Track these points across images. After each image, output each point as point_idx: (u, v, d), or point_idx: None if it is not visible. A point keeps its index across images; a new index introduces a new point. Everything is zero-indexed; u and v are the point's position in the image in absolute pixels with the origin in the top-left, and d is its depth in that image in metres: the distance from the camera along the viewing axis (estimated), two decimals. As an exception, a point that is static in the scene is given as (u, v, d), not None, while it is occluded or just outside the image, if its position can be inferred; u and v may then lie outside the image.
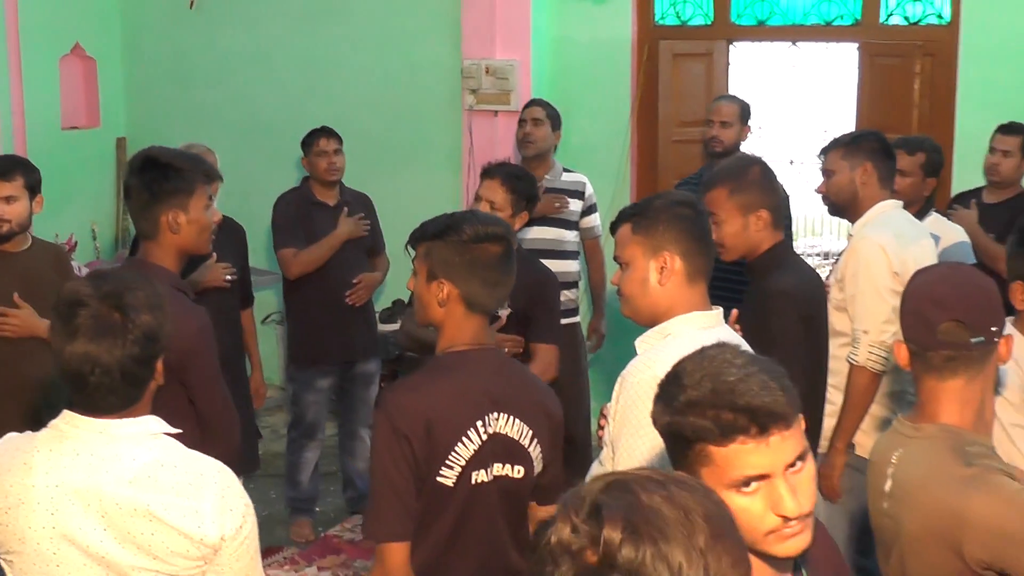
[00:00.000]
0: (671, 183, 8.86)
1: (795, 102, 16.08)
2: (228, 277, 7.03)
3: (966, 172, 8.43)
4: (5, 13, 10.01)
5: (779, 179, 5.50)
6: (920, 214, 6.73)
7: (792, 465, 2.62)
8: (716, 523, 2.02)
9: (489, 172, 6.38)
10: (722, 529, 2.03)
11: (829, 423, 5.77)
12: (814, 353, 5.37)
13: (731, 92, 9.32)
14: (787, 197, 5.91)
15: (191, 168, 4.83)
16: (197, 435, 4.61)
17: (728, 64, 9.69)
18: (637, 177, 9.91)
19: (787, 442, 2.60)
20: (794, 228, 12.74)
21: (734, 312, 4.42)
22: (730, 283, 5.91)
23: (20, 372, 5.85)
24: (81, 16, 10.88)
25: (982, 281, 3.69)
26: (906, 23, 9.18)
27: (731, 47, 9.74)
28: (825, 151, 6.15)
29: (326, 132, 8.24)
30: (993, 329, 3.55)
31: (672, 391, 2.65)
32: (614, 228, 4.20)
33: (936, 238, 6.37)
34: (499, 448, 4.09)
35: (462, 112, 9.95)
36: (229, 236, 7.05)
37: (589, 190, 8.40)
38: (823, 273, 6.77)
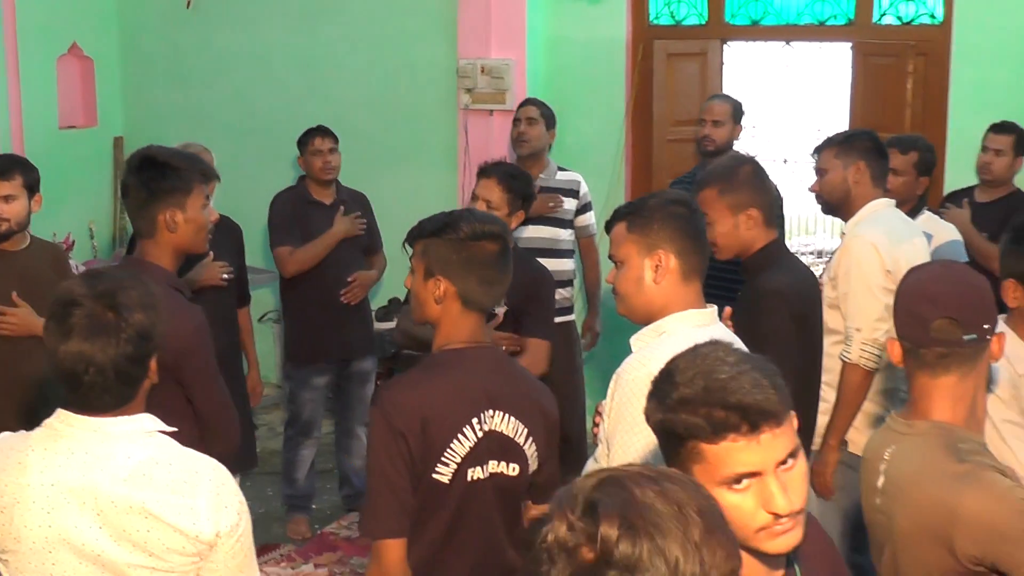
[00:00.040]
0: (665, 182, 8.86)
1: (789, 101, 16.08)
2: (225, 276, 7.02)
3: (959, 171, 8.44)
4: (3, 13, 10.02)
5: (772, 178, 5.52)
6: (913, 213, 6.75)
7: (783, 463, 2.63)
8: (709, 517, 2.04)
9: (485, 171, 6.40)
10: (715, 523, 2.05)
11: (822, 420, 5.78)
12: (808, 352, 5.38)
13: (725, 91, 9.36)
14: (780, 196, 5.94)
15: (188, 167, 4.84)
16: (195, 434, 4.63)
17: (722, 63, 9.70)
18: (632, 176, 9.93)
19: (778, 440, 2.61)
20: (788, 227, 12.75)
21: (727, 309, 4.44)
22: (724, 281, 5.92)
23: (18, 371, 5.85)
24: (78, 16, 10.88)
25: (975, 279, 3.71)
26: (899, 23, 9.21)
27: (725, 47, 9.74)
28: (818, 150, 6.16)
29: (321, 131, 8.25)
30: (986, 327, 3.57)
31: (665, 388, 2.66)
32: (609, 227, 4.22)
33: (929, 236, 6.40)
34: (495, 445, 4.09)
35: (458, 111, 9.96)
36: (226, 235, 7.04)
37: (584, 189, 8.41)
38: (817, 271, 6.80)
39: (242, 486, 7.28)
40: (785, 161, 14.60)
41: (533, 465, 4.19)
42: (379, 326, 9.27)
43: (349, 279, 8.13)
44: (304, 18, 10.70)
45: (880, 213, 5.95)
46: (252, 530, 3.57)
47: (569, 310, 8.23)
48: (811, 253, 13.17)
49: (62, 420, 3.43)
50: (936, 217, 7.15)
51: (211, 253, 6.63)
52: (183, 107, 11.09)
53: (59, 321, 3.37)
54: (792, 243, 12.07)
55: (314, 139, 8.23)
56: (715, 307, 4.21)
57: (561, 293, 7.83)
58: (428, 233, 4.15)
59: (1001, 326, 4.00)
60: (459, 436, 4.02)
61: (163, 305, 4.27)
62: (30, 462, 3.40)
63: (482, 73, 9.68)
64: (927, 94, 8.85)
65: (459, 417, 4.04)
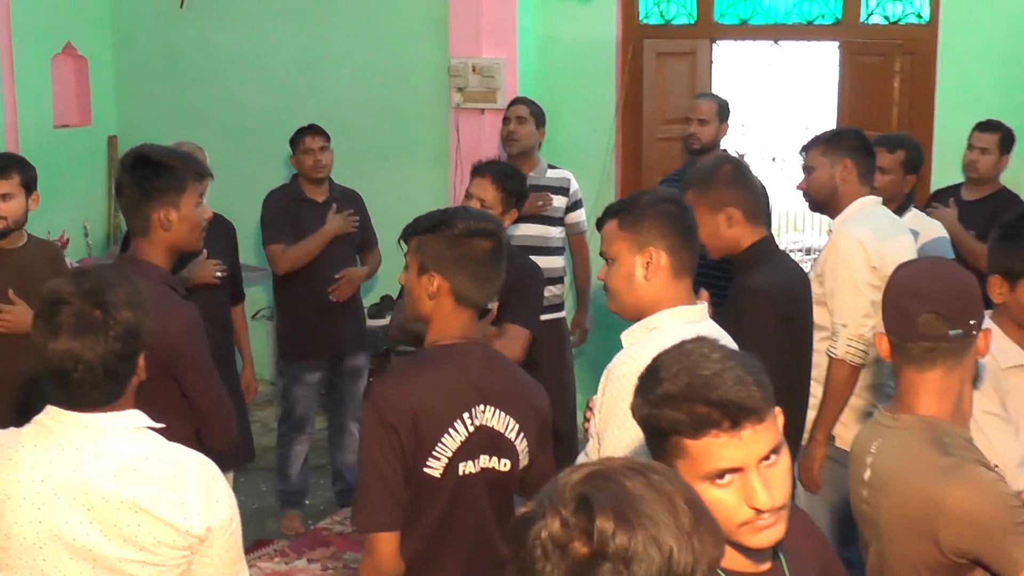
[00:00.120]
0: (655, 180, 8.89)
1: (777, 100, 16.08)
2: (218, 274, 7.04)
3: (945, 169, 8.47)
4: (-3, 12, 10.03)
5: (756, 176, 5.53)
6: (900, 210, 6.78)
7: (766, 458, 2.65)
8: (696, 506, 2.07)
9: (479, 170, 6.42)
10: (701, 512, 2.07)
11: (810, 415, 5.81)
12: (796, 350, 5.42)
13: (714, 90, 9.39)
14: (766, 194, 5.96)
15: (182, 166, 4.85)
16: (191, 430, 4.68)
17: (711, 63, 9.75)
18: (622, 174, 9.97)
19: (760, 436, 2.63)
20: (776, 224, 12.75)
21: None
22: (712, 278, 5.97)
23: (14, 367, 5.88)
24: (73, 15, 10.90)
25: (962, 275, 3.74)
26: (886, 22, 9.25)
27: (714, 46, 9.79)
28: (806, 148, 6.18)
29: (312, 130, 8.27)
30: (972, 322, 3.60)
31: (650, 384, 2.68)
32: (600, 224, 4.23)
33: (915, 233, 6.43)
34: (486, 440, 4.10)
35: (449, 110, 9.98)
36: (219, 233, 7.06)
37: (574, 186, 8.43)
38: (805, 268, 6.83)
39: (236, 482, 7.38)
40: (773, 159, 14.64)
41: (524, 461, 4.20)
42: (371, 323, 9.27)
43: (337, 276, 8.15)
44: (297, 17, 10.71)
45: (867, 210, 5.98)
46: (245, 525, 3.59)
47: (559, 307, 8.25)
48: (799, 250, 13.19)
49: (52, 417, 3.43)
50: (923, 214, 7.17)
51: (204, 251, 6.62)
52: (177, 106, 11.10)
53: (47, 319, 3.38)
54: (780, 240, 12.08)
55: (305, 138, 8.24)
56: (705, 304, 4.23)
57: (551, 290, 7.88)
58: (423, 230, 4.16)
59: (987, 322, 4.01)
60: (450, 430, 4.03)
61: (155, 303, 4.26)
62: (20, 458, 3.40)
63: (473, 72, 9.70)
64: (914, 93, 8.89)
65: (450, 412, 4.04)
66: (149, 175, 4.77)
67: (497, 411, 4.12)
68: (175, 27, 11.13)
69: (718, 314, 4.36)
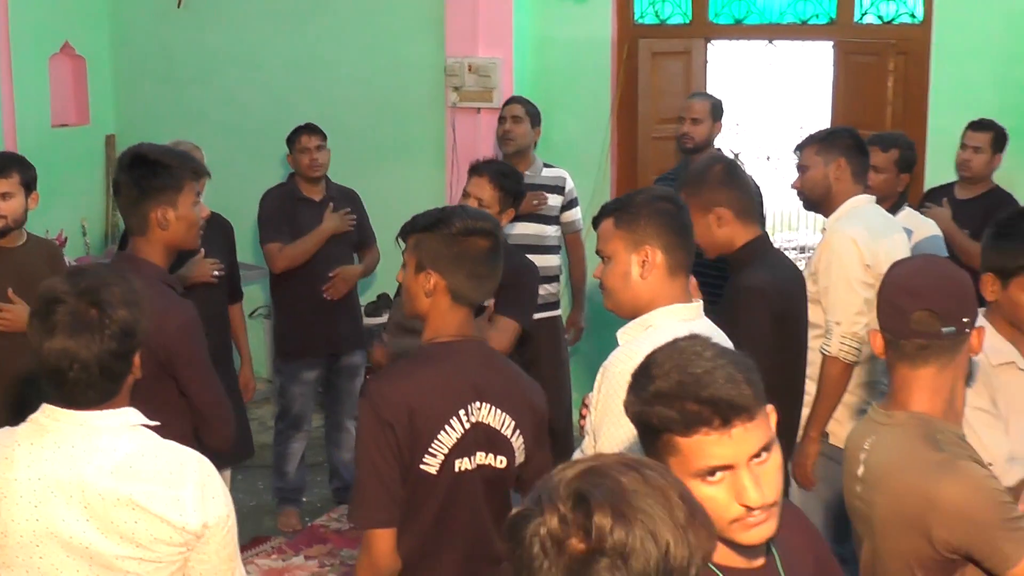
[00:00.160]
0: (650, 179, 8.92)
1: (772, 99, 16.02)
2: (215, 273, 7.05)
3: (939, 168, 8.50)
4: (-4, 13, 10.04)
5: (748, 176, 5.56)
6: (894, 209, 6.79)
7: (757, 456, 2.66)
8: (689, 500, 2.08)
9: (477, 169, 6.43)
10: (694, 505, 2.09)
11: (804, 413, 5.82)
12: (790, 348, 5.42)
13: (709, 90, 9.41)
14: (760, 192, 5.98)
15: (179, 165, 4.86)
16: (188, 428, 4.69)
17: (706, 62, 9.76)
18: (617, 173, 9.98)
19: (750, 434, 2.64)
20: (771, 223, 12.75)
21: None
22: (708, 277, 5.98)
23: (13, 366, 5.90)
24: (70, 15, 10.90)
25: (956, 273, 3.75)
26: (880, 22, 9.27)
27: (709, 45, 9.80)
28: (800, 147, 6.21)
29: (308, 129, 8.27)
30: (965, 320, 3.62)
31: (642, 381, 2.70)
32: (596, 222, 4.25)
33: (909, 232, 6.44)
34: (482, 437, 4.12)
35: (445, 109, 10.00)
36: (217, 232, 7.08)
37: (569, 185, 8.45)
38: (800, 267, 6.84)
39: (233, 479, 7.40)
40: (768, 158, 14.61)
41: (520, 457, 4.21)
42: (368, 321, 9.28)
43: (330, 274, 8.16)
44: (294, 17, 10.71)
45: (860, 209, 6.00)
46: (242, 523, 3.61)
47: (555, 305, 8.27)
48: (794, 249, 13.15)
49: (47, 415, 3.43)
50: (916, 213, 7.17)
51: (202, 250, 6.66)
52: (174, 105, 11.10)
53: (43, 318, 3.38)
54: (775, 239, 12.08)
55: (301, 137, 8.24)
56: (700, 302, 4.24)
57: (547, 288, 7.92)
58: (421, 228, 4.18)
59: (980, 320, 4.04)
60: (446, 427, 4.05)
61: (153, 301, 4.25)
62: (16, 457, 3.40)
63: (469, 71, 9.72)
64: (907, 92, 8.91)
65: (446, 409, 4.06)
66: (146, 174, 4.78)
67: (493, 408, 4.14)
68: (172, 27, 11.13)
69: (713, 312, 4.37)
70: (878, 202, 6.29)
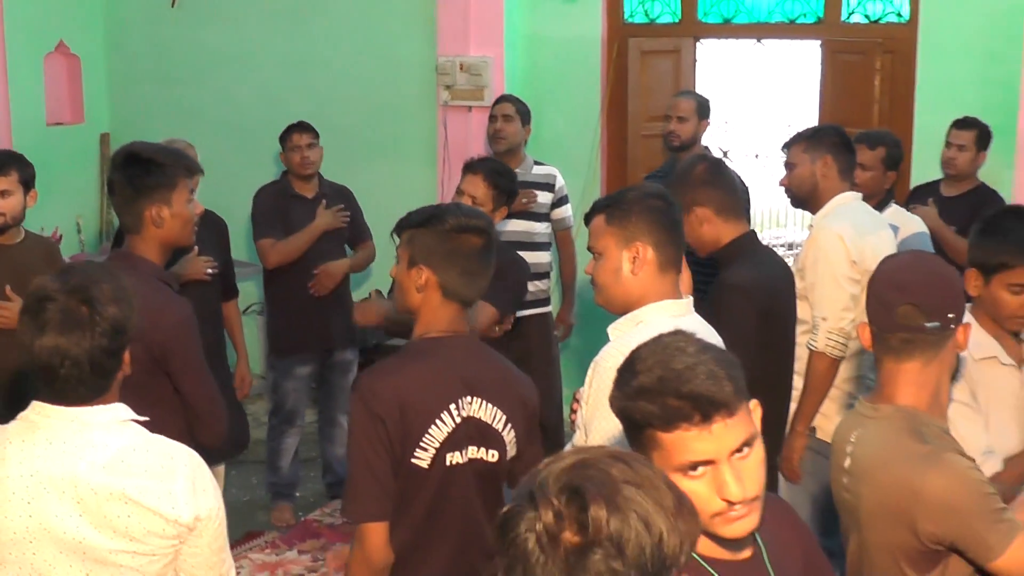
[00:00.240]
0: (640, 176, 8.95)
1: (760, 98, 16.02)
2: (209, 270, 7.04)
3: (925, 165, 8.52)
4: (-10, 12, 10.05)
5: (732, 173, 5.59)
6: (881, 206, 6.82)
7: (738, 451, 2.68)
8: (674, 488, 2.11)
9: (471, 167, 6.47)
10: (680, 493, 2.12)
11: (792, 407, 5.86)
12: (777, 344, 5.47)
13: (698, 88, 9.44)
14: (746, 190, 5.99)
15: (173, 163, 4.86)
16: (182, 424, 4.68)
17: (695, 61, 9.79)
18: (607, 170, 10.01)
19: (731, 429, 2.66)
20: (759, 220, 12.78)
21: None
22: (700, 274, 5.99)
23: (11, 362, 5.84)
24: (65, 14, 10.90)
25: (943, 269, 3.79)
26: (867, 21, 9.32)
27: (698, 44, 9.83)
28: (787, 145, 6.24)
29: (300, 127, 8.28)
30: (950, 315, 3.65)
31: (626, 377, 2.72)
32: (588, 219, 4.27)
33: (895, 229, 6.47)
34: (473, 431, 4.13)
35: (437, 108, 10.01)
36: (211, 230, 7.07)
37: (560, 182, 8.46)
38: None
39: (227, 474, 7.43)
40: (756, 156, 14.62)
41: (512, 451, 4.23)
42: None
43: (314, 271, 8.16)
44: (287, 17, 10.71)
45: (847, 206, 6.03)
46: (236, 518, 3.64)
47: (546, 302, 8.30)
48: (782, 246, 13.16)
49: (38, 412, 3.44)
50: (903, 210, 7.20)
51: (196, 248, 6.66)
52: (168, 104, 11.08)
53: (33, 316, 3.39)
54: (763, 236, 12.11)
55: (293, 135, 8.25)
56: (691, 297, 4.26)
57: (537, 285, 7.96)
58: (415, 223, 4.20)
59: (966, 316, 4.05)
60: (437, 421, 4.06)
61: (149, 298, 4.28)
62: (8, 454, 3.41)
63: (461, 70, 9.74)
64: (894, 91, 8.95)
65: (437, 403, 4.07)
66: (140, 173, 4.79)
67: (484, 403, 4.16)
68: (166, 26, 11.12)
69: (700, 309, 4.38)
70: (865, 199, 6.31)
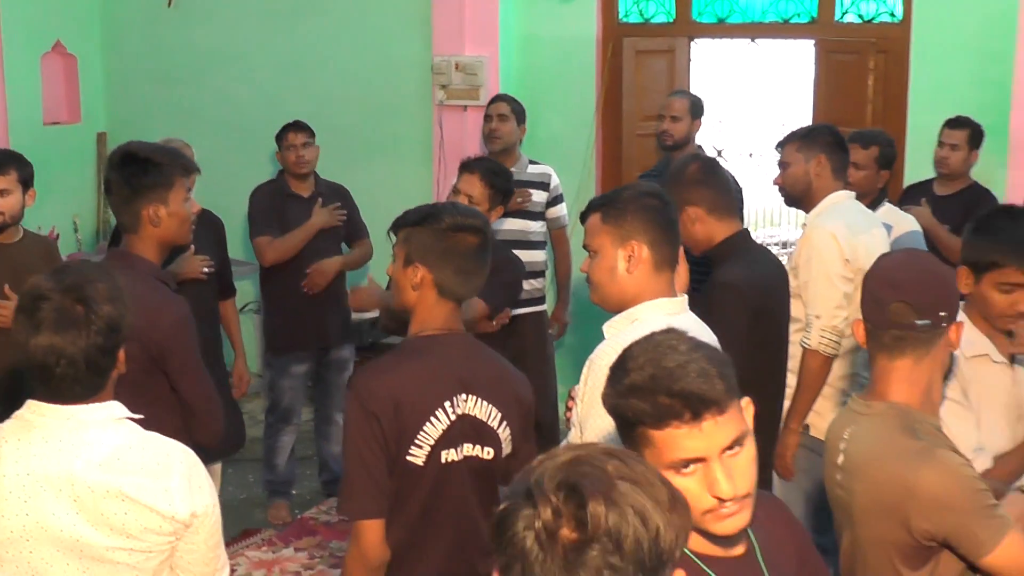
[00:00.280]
0: (635, 175, 8.96)
1: (754, 97, 16.02)
2: (205, 269, 7.04)
3: (918, 164, 8.55)
4: (-12, 13, 10.06)
5: (725, 172, 5.60)
6: (874, 205, 6.83)
7: (729, 448, 2.68)
8: (667, 483, 2.10)
9: (468, 166, 6.49)
10: (673, 488, 2.10)
11: (786, 405, 5.88)
12: (771, 342, 5.48)
13: (692, 88, 9.47)
14: (739, 189, 5.99)
15: (169, 162, 4.85)
16: (180, 423, 4.69)
17: (689, 60, 9.82)
18: (602, 169, 10.04)
19: (721, 427, 2.66)
20: (753, 219, 12.77)
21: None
22: (695, 273, 6.02)
23: (9, 360, 5.86)
24: (62, 14, 10.92)
25: (937, 268, 3.82)
26: (860, 21, 9.35)
27: (692, 44, 9.86)
28: (781, 144, 6.25)
29: (295, 126, 8.29)
30: (942, 314, 3.66)
31: (618, 374, 2.72)
32: (584, 217, 4.27)
33: (889, 227, 6.49)
34: (468, 429, 4.14)
35: (433, 107, 10.04)
36: (208, 229, 7.09)
37: (555, 181, 8.47)
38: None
39: (224, 472, 7.43)
40: (750, 155, 14.61)
41: (507, 449, 4.24)
42: (357, 316, 9.15)
43: (307, 270, 8.16)
44: (283, 16, 10.73)
45: (840, 205, 6.04)
46: (233, 515, 3.64)
47: (541, 300, 8.31)
48: (776, 244, 13.14)
49: (33, 411, 3.44)
50: (896, 209, 7.22)
51: (192, 247, 6.67)
52: (165, 103, 11.10)
53: (29, 315, 3.39)
54: (757, 235, 12.12)
55: (288, 134, 8.27)
56: (686, 296, 4.28)
57: (532, 284, 7.96)
58: (412, 222, 4.21)
59: (959, 315, 4.03)
60: (432, 419, 4.07)
61: (146, 297, 4.33)
62: (4, 453, 3.40)
63: (456, 70, 9.76)
64: (887, 90, 8.97)
65: (431, 401, 4.08)
66: (137, 172, 4.79)
67: (480, 400, 4.16)
68: (163, 26, 11.13)
69: (694, 306, 4.39)
70: (859, 198, 6.33)
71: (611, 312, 4.23)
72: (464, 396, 4.15)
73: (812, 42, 9.43)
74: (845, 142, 6.30)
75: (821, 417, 5.81)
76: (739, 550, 2.88)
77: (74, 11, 11.09)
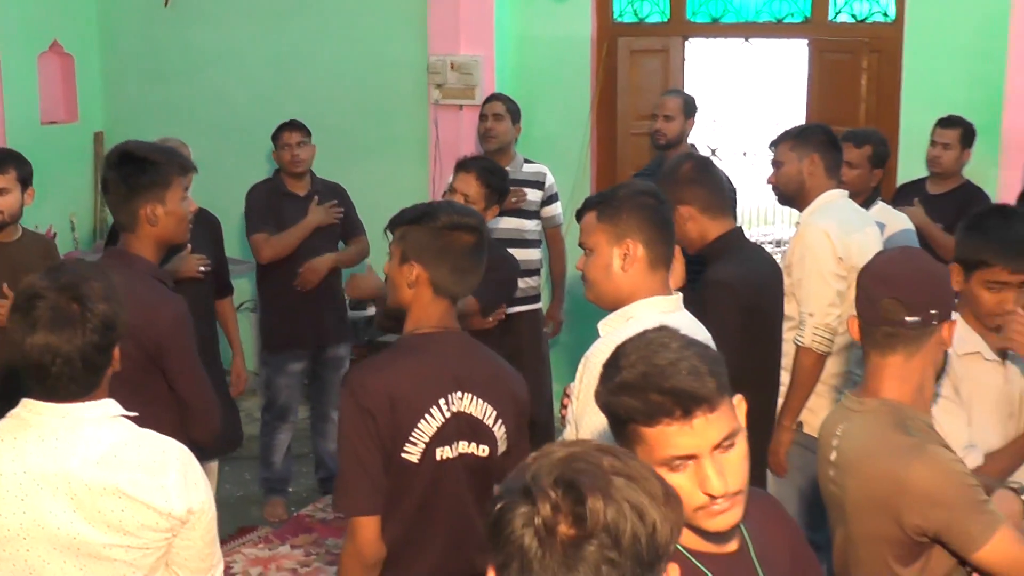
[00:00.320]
0: (629, 174, 8.98)
1: (748, 96, 16.01)
2: (202, 268, 7.05)
3: (911, 163, 8.56)
4: (-15, 13, 10.07)
5: (718, 171, 5.61)
6: (867, 204, 6.87)
7: (720, 445, 2.69)
8: (661, 479, 2.11)
9: (464, 165, 6.52)
10: (666, 484, 2.12)
11: (780, 403, 5.91)
12: (764, 340, 5.50)
13: (686, 87, 9.48)
14: (733, 187, 6.00)
15: (166, 161, 4.86)
16: (178, 422, 4.70)
17: (684, 60, 9.82)
18: (597, 168, 10.06)
19: (712, 424, 2.66)
20: (747, 217, 12.78)
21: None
22: (689, 271, 6.04)
23: (8, 358, 5.73)
24: (59, 14, 10.93)
25: (931, 266, 3.82)
26: (853, 20, 9.38)
27: (686, 43, 9.86)
28: (775, 143, 6.27)
29: (291, 125, 8.30)
30: (932, 312, 3.67)
31: (610, 372, 2.74)
32: (580, 215, 4.28)
33: (882, 226, 6.51)
34: (463, 426, 4.15)
35: (428, 106, 10.04)
36: (204, 227, 7.08)
37: (549, 180, 8.49)
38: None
39: (221, 470, 7.45)
40: (744, 154, 14.62)
41: (503, 447, 4.24)
42: (353, 314, 9.32)
43: (300, 269, 8.15)
44: (279, 16, 10.74)
45: (833, 203, 6.06)
46: (229, 513, 3.64)
47: (536, 298, 8.33)
48: (770, 243, 13.17)
49: (29, 409, 3.44)
50: (889, 207, 7.24)
51: (189, 246, 6.63)
52: (161, 103, 11.10)
53: (24, 314, 3.39)
54: (751, 233, 12.13)
55: (283, 133, 8.28)
56: (680, 294, 4.27)
57: (528, 282, 7.99)
58: (408, 220, 4.23)
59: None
60: (426, 416, 4.08)
61: (144, 295, 4.36)
62: (0, 452, 3.41)
63: (452, 69, 9.77)
64: (880, 89, 8.99)
65: (425, 398, 4.09)
66: (134, 171, 4.80)
67: (475, 398, 4.17)
68: (159, 26, 11.14)
69: (686, 304, 4.40)
70: (852, 197, 6.35)
71: (606, 310, 4.24)
72: (459, 394, 4.15)
73: (806, 42, 9.46)
74: (838, 141, 6.33)
75: (814, 414, 5.82)
76: (732, 546, 2.89)
77: (71, 11, 11.09)
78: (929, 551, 3.58)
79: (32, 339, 3.37)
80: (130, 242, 4.88)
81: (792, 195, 6.22)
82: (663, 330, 2.81)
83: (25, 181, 6.38)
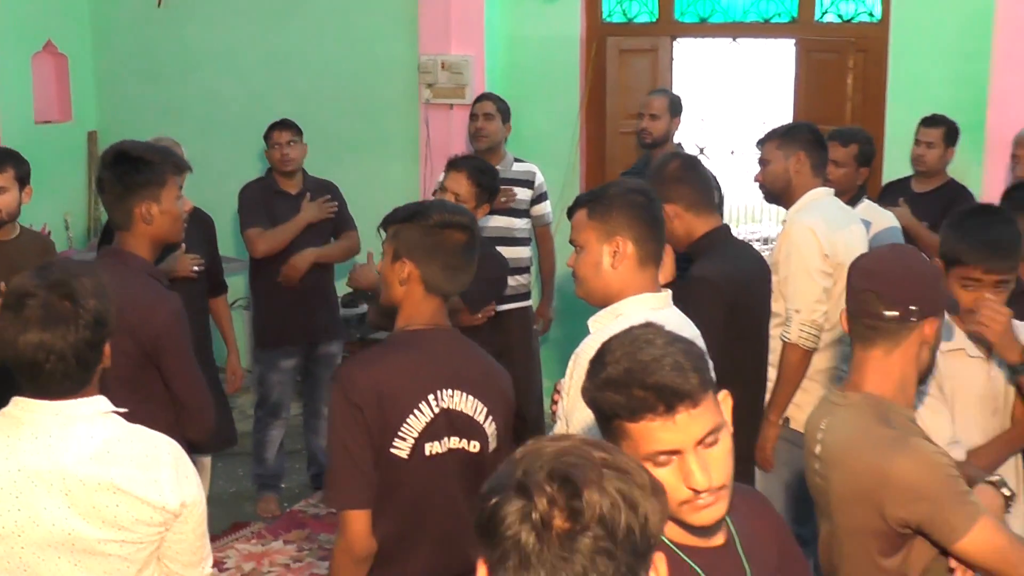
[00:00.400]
0: (618, 173, 9.01)
1: (735, 95, 16.04)
2: (196, 268, 7.09)
3: (896, 162, 8.62)
4: (-21, 13, 10.08)
5: (703, 169, 5.62)
6: (853, 202, 6.91)
7: (703, 441, 2.71)
8: (647, 472, 2.12)
9: (455, 164, 6.57)
10: (652, 476, 2.13)
11: (766, 398, 5.93)
12: (749, 336, 5.52)
13: (675, 86, 9.53)
14: (719, 185, 6.03)
15: (161, 160, 4.86)
16: (173, 419, 4.71)
17: (672, 59, 9.85)
18: (586, 167, 10.10)
19: (695, 420, 2.69)
20: (734, 215, 12.81)
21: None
22: (678, 269, 6.08)
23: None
24: (52, 14, 10.96)
25: (917, 264, 3.83)
26: (840, 20, 9.43)
27: (675, 43, 9.89)
28: (762, 142, 6.31)
29: (281, 124, 8.32)
30: (912, 308, 3.68)
31: (596, 368, 2.76)
32: (571, 213, 4.30)
33: (867, 224, 6.55)
34: (453, 422, 4.14)
35: (419, 105, 10.08)
36: (198, 226, 7.10)
37: (539, 179, 8.52)
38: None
39: (213, 466, 7.48)
40: (732, 152, 14.63)
41: (493, 444, 4.24)
42: (345, 312, 9.34)
43: (283, 266, 8.15)
44: (271, 16, 10.77)
45: (819, 201, 6.10)
46: (222, 509, 3.66)
47: (526, 296, 8.37)
48: (757, 240, 13.18)
49: (21, 407, 3.43)
50: (875, 205, 7.27)
51: (183, 245, 6.70)
52: (155, 102, 11.13)
53: (16, 312, 3.38)
54: (738, 231, 12.16)
55: (274, 132, 8.31)
56: (669, 291, 4.30)
57: (518, 280, 8.04)
58: (400, 218, 4.24)
59: None
60: (415, 412, 4.08)
61: (140, 293, 4.40)
62: None
63: (442, 69, 9.81)
64: (866, 88, 9.04)
65: (414, 393, 4.09)
66: (129, 171, 4.81)
67: (464, 395, 4.18)
68: (152, 26, 11.18)
69: (674, 300, 4.41)
70: (838, 195, 6.39)
71: (596, 307, 4.26)
72: (449, 391, 4.16)
73: (792, 41, 9.49)
74: (824, 140, 6.38)
75: (801, 410, 5.80)
76: (719, 540, 2.92)
77: (65, 11, 11.13)
78: (911, 543, 3.60)
79: (25, 337, 3.36)
80: (126, 241, 4.90)
81: (779, 193, 6.26)
82: (649, 326, 2.84)
83: (23, 180, 6.41)
